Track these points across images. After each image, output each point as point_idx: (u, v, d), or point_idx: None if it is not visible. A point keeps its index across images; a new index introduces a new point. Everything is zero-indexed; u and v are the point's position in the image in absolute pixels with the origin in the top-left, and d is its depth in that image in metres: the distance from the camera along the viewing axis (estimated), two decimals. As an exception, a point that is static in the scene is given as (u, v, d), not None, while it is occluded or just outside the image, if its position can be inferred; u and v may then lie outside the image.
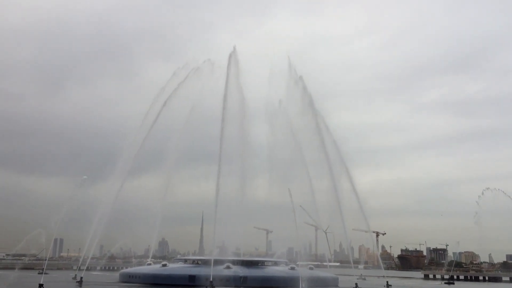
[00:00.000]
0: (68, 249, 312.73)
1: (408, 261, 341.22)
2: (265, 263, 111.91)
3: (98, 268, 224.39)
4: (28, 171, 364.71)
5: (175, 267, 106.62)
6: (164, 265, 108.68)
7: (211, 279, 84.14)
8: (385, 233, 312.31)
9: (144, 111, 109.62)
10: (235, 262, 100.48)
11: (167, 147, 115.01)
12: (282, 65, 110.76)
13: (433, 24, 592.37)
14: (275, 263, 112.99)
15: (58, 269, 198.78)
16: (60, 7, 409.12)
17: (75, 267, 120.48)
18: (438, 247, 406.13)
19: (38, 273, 65.99)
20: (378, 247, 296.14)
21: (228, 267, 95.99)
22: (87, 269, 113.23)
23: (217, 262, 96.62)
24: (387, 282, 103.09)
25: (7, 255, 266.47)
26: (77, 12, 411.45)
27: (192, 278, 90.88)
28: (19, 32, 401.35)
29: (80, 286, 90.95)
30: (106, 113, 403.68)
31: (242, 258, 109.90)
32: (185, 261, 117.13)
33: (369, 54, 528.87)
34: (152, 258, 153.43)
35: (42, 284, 56.21)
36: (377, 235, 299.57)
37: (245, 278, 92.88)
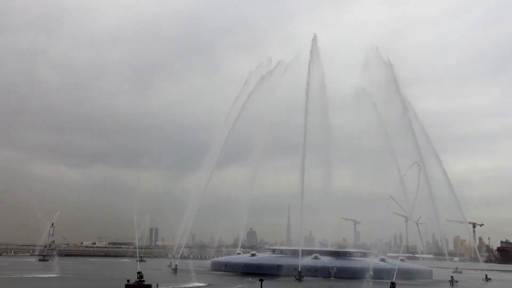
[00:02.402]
0: (163, 238, 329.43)
1: (509, 253, 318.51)
2: (354, 254, 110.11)
3: (191, 256, 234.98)
4: (125, 165, 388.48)
5: (264, 257, 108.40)
6: (253, 255, 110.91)
7: (299, 269, 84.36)
8: (482, 224, 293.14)
9: (230, 104, 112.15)
10: (323, 253, 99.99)
11: (252, 139, 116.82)
12: (367, 51, 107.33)
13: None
14: (364, 254, 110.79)
15: (154, 257, 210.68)
16: (148, 8, 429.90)
17: (169, 256, 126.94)
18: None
19: (137, 261, 70.56)
20: (475, 239, 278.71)
21: (316, 258, 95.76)
22: (181, 257, 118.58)
23: (305, 252, 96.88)
24: (486, 275, 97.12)
25: (109, 243, 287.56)
26: (164, 12, 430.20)
27: (280, 267, 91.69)
28: (112, 34, 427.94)
29: (175, 273, 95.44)
30: (195, 107, 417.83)
31: (330, 248, 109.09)
32: (273, 251, 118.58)
33: (462, 35, 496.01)
34: (241, 247, 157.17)
35: (140, 272, 59.54)
36: (474, 226, 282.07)
37: (334, 269, 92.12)
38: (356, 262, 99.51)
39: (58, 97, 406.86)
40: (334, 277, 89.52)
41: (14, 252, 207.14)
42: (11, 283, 64.06)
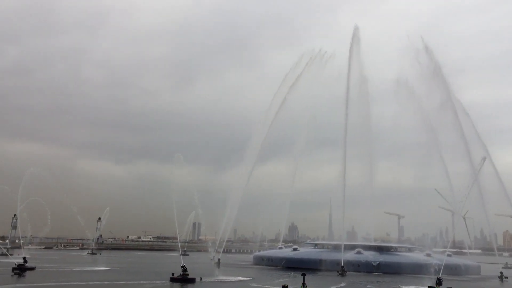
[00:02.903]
0: (206, 233, 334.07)
1: None
2: (398, 249, 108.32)
3: (233, 250, 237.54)
4: (166, 160, 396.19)
5: (306, 251, 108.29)
6: (295, 249, 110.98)
7: (341, 264, 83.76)
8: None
9: (269, 99, 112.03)
10: (366, 248, 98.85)
11: (293, 134, 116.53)
12: (409, 42, 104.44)
13: None
14: (409, 249, 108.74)
15: (197, 251, 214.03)
16: (187, 5, 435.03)
17: (212, 250, 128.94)
18: None
19: (180, 255, 71.87)
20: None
21: (359, 252, 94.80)
22: (223, 252, 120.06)
23: (348, 247, 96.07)
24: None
25: (153, 237, 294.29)
26: (203, 8, 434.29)
27: (322, 262, 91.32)
28: (151, 32, 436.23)
29: (218, 267, 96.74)
30: (234, 103, 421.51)
31: (373, 243, 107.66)
32: (315, 245, 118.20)
33: (505, 23, 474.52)
34: (282, 242, 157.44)
35: (184, 265, 60.81)
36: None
37: (378, 264, 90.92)
38: (401, 257, 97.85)
39: (102, 95, 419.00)
40: (377, 272, 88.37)
41: (64, 245, 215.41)
42: (64, 275, 66.76)
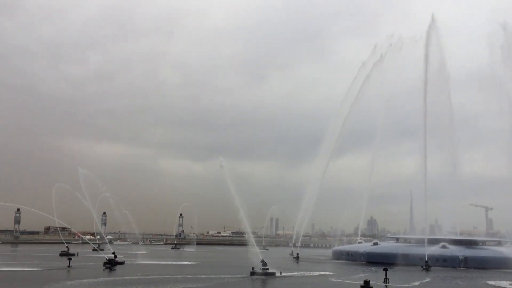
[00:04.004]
0: (283, 227, 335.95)
1: None
2: (487, 243, 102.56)
3: (311, 245, 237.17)
4: (242, 157, 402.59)
5: (388, 246, 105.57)
6: (375, 244, 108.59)
7: (426, 259, 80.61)
8: None
9: (343, 90, 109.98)
10: (452, 242, 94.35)
11: (369, 125, 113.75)
12: (491, 24, 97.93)
13: None
14: (499, 243, 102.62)
15: (276, 245, 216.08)
16: (257, 1, 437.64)
17: (290, 244, 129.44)
18: None
19: (259, 250, 72.83)
20: None
21: (444, 247, 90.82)
22: (301, 246, 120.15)
23: (431, 241, 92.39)
24: None
25: (232, 232, 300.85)
26: (271, 4, 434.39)
27: (405, 257, 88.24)
28: (223, 31, 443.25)
29: (297, 261, 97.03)
30: (307, 95, 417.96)
31: (459, 237, 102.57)
32: (397, 239, 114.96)
33: None
34: (361, 236, 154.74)
35: (264, 260, 61.59)
36: None
37: (465, 259, 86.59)
38: (489, 251, 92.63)
39: (178, 95, 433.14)
40: (464, 267, 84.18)
41: (149, 241, 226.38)
42: (150, 269, 70.20)
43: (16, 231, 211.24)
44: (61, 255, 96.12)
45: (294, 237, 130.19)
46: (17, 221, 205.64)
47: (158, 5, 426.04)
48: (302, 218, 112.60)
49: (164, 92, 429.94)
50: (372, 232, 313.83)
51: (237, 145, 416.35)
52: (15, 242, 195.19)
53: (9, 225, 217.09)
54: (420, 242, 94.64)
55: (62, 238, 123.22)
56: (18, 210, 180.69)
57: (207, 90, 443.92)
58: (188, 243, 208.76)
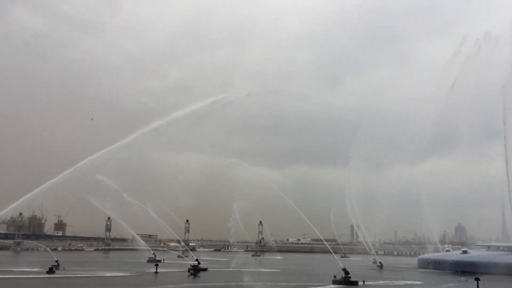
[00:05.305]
0: (364, 235, 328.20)
1: None
2: None
3: (395, 253, 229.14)
4: (320, 163, 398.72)
5: (478, 254, 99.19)
6: (465, 252, 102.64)
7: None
8: None
9: (423, 91, 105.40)
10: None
11: (454, 128, 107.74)
12: None
13: None
14: None
15: (357, 253, 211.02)
16: (329, 6, 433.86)
17: (372, 252, 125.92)
18: None
19: (340, 257, 71.50)
20: None
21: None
22: (384, 254, 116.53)
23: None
24: None
25: (312, 239, 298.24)
26: (345, 7, 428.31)
27: (498, 266, 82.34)
28: (298, 38, 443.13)
29: (381, 270, 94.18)
30: (386, 99, 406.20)
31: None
32: (488, 247, 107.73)
33: None
34: (449, 244, 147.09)
35: (345, 268, 60.40)
36: None
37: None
38: None
39: (254, 103, 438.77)
40: None
41: (230, 247, 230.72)
42: (232, 276, 71.50)
43: (107, 239, 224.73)
44: (148, 261, 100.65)
45: (376, 244, 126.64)
46: (108, 229, 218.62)
47: (232, 16, 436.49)
48: (383, 225, 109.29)
49: (240, 101, 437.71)
50: (460, 240, 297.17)
51: (314, 151, 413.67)
52: (106, 249, 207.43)
53: (100, 231, 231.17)
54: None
55: (147, 246, 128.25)
56: (109, 218, 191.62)
57: (283, 97, 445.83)
58: (268, 250, 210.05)
